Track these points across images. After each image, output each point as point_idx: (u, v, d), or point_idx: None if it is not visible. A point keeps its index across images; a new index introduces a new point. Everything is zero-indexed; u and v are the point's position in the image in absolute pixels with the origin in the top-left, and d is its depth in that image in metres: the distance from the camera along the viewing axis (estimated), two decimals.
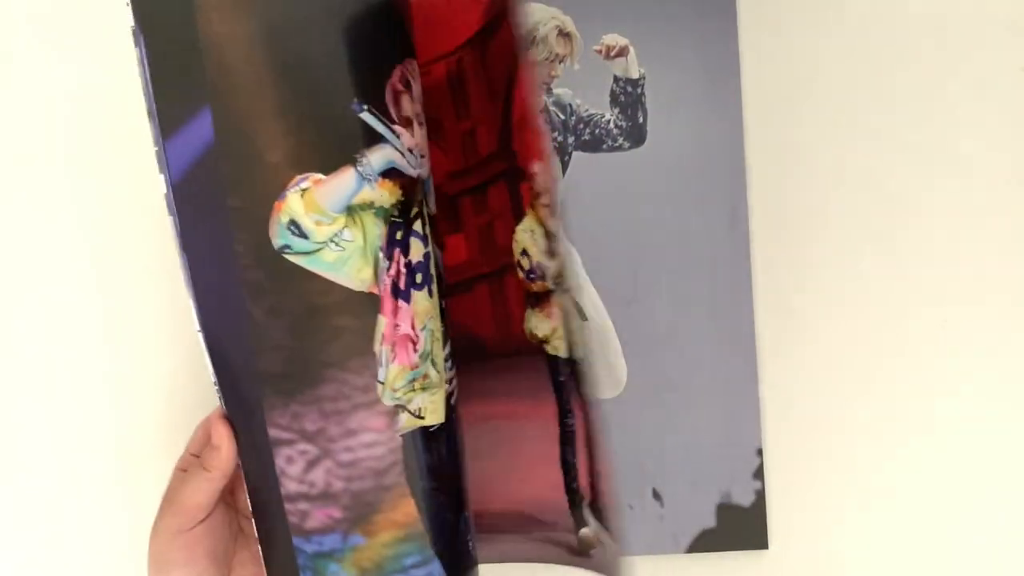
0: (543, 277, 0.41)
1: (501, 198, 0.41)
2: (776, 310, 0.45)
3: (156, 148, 0.35)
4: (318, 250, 0.34)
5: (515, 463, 0.42)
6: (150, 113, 0.35)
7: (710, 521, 0.45)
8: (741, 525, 0.45)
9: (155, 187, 0.35)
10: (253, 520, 0.38)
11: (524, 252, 0.41)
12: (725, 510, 0.45)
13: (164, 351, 0.48)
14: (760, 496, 0.45)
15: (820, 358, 0.46)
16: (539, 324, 0.42)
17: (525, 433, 0.42)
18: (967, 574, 0.46)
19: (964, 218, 0.45)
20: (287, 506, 0.37)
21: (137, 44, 0.35)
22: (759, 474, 0.45)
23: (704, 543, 0.45)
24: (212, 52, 0.34)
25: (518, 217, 0.40)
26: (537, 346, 0.41)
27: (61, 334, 0.48)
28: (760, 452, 0.45)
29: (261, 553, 0.38)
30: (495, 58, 0.39)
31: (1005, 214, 0.45)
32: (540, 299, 0.41)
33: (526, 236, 0.41)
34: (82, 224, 0.48)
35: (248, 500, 0.38)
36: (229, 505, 0.40)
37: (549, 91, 0.45)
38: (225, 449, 0.37)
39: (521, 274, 0.41)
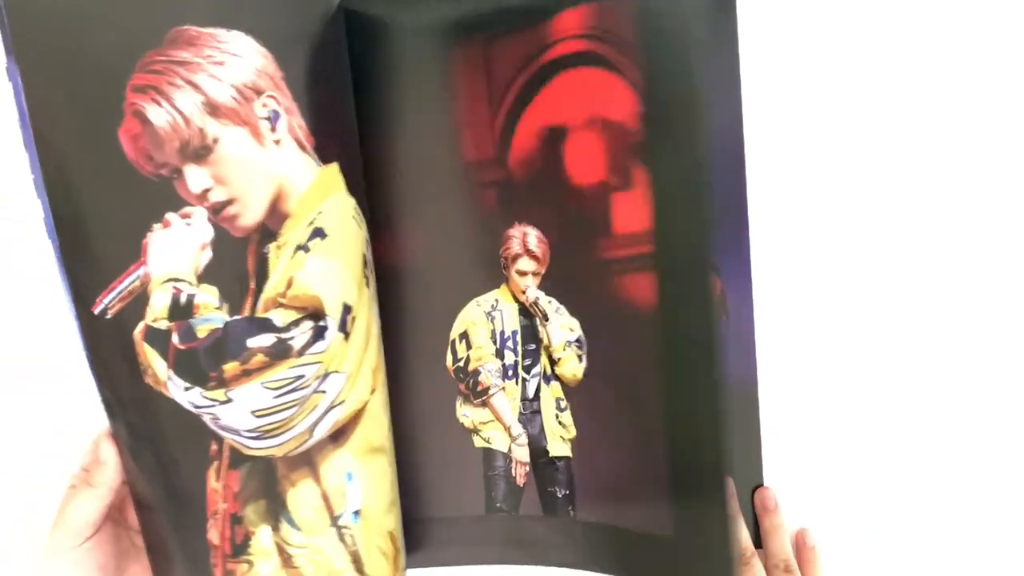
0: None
1: None
2: (776, 311, 0.45)
3: (33, 176, 0.37)
4: None
5: None
6: (25, 144, 0.37)
7: None
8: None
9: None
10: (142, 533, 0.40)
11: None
12: None
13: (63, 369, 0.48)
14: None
15: (820, 359, 0.46)
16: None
17: None
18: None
19: (964, 218, 0.45)
20: None
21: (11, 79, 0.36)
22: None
23: None
24: None
25: None
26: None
27: None
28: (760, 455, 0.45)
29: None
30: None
31: (1006, 213, 0.45)
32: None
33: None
34: None
35: (136, 514, 0.40)
36: (118, 522, 0.41)
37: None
38: (111, 465, 0.39)
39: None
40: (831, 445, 0.46)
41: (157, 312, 0.38)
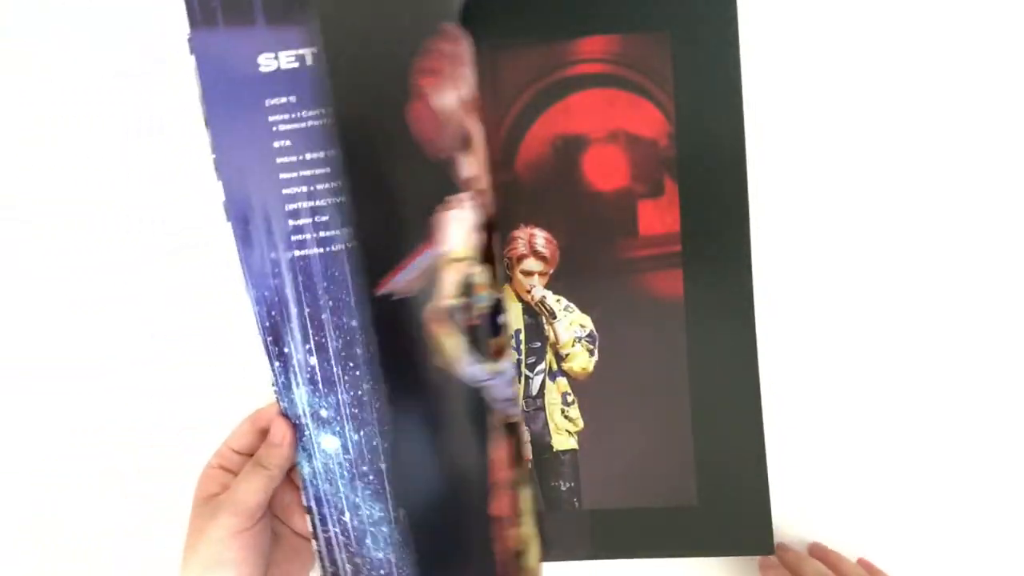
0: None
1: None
2: (776, 311, 0.45)
3: (214, 156, 0.36)
4: None
5: None
6: (207, 121, 0.36)
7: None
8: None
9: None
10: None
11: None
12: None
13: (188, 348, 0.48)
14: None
15: (821, 359, 0.46)
16: None
17: None
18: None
19: (964, 218, 0.45)
20: None
21: (193, 52, 0.36)
22: (761, 477, 0.45)
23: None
24: None
25: None
26: None
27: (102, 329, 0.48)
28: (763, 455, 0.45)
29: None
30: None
31: (1006, 213, 0.45)
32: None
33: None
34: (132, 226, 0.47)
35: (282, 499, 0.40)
36: (270, 506, 0.40)
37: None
38: (287, 446, 0.38)
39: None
40: (830, 446, 0.46)
41: (450, 291, 0.39)
